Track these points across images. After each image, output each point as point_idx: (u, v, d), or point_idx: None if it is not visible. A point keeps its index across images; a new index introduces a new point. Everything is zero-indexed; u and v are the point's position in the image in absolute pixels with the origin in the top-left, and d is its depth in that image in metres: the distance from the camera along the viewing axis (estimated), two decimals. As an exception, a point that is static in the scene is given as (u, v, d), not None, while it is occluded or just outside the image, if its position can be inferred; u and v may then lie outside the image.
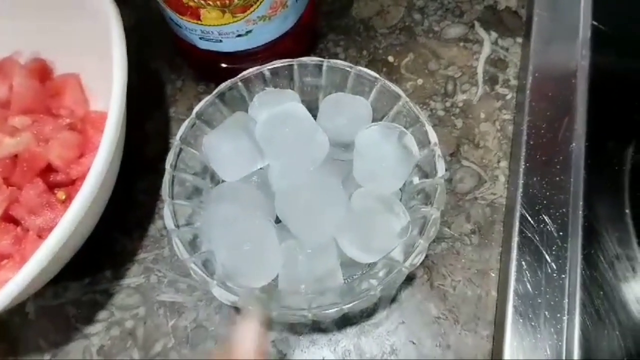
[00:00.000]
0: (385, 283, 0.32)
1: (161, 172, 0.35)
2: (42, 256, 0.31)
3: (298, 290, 0.33)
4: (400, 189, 0.37)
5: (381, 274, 0.33)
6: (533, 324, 0.36)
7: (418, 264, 0.32)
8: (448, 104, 0.44)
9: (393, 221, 0.34)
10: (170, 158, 0.36)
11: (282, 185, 0.36)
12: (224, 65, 0.43)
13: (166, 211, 0.34)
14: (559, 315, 0.35)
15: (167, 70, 0.47)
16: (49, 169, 0.40)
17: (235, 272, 0.33)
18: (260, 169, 0.38)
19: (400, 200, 0.36)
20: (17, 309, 0.39)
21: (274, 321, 0.37)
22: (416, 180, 0.36)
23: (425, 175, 0.36)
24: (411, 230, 0.34)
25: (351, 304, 0.31)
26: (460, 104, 0.44)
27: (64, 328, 0.38)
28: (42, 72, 0.44)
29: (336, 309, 0.31)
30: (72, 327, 0.38)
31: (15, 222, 0.38)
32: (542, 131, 0.42)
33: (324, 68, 0.38)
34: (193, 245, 0.34)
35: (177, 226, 0.34)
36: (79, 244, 0.37)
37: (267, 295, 0.33)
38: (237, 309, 0.37)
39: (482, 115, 0.44)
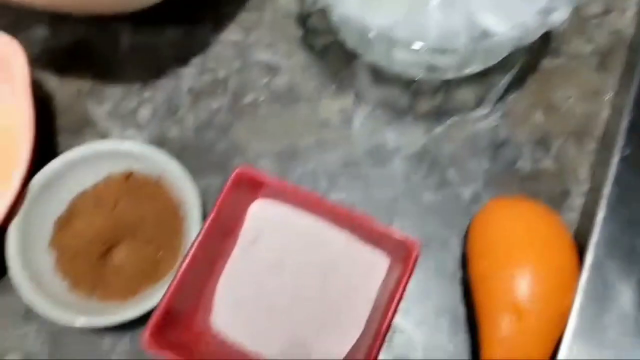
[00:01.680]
0: (513, 45, 0.30)
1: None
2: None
3: (417, 42, 0.31)
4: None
5: (509, 40, 0.31)
6: (646, 142, 0.33)
7: (555, 27, 0.30)
8: None
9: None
10: None
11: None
12: None
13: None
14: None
15: None
16: None
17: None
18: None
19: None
20: (111, 40, 0.38)
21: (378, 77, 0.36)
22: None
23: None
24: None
25: (474, 55, 0.29)
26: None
27: (156, 65, 0.38)
28: None
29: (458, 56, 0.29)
30: (165, 65, 0.38)
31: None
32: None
33: None
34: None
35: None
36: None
37: (383, 38, 0.31)
38: (330, 74, 0.36)
39: (620, -50, 0.41)
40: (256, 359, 0.29)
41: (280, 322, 0.30)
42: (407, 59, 0.31)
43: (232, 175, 0.31)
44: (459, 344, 0.31)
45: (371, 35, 0.30)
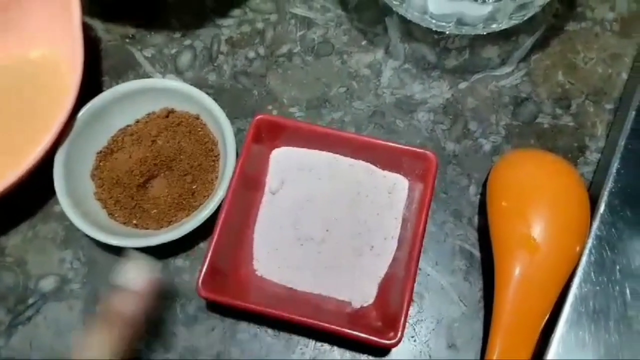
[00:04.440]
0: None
1: None
2: None
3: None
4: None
5: None
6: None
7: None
8: None
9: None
10: None
11: None
12: None
13: None
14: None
15: None
16: None
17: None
18: None
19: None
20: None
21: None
22: None
23: None
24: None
25: (505, 7, 0.31)
26: None
27: (198, 14, 0.40)
28: None
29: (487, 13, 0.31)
30: (206, 16, 0.40)
31: None
32: None
33: None
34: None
35: None
36: None
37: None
38: (362, 29, 0.38)
39: None
40: (303, 293, 0.31)
41: (319, 254, 0.32)
42: (440, 10, 0.33)
43: (253, 123, 0.33)
44: (474, 284, 0.33)
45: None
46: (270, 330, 0.32)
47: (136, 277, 0.28)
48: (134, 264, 0.28)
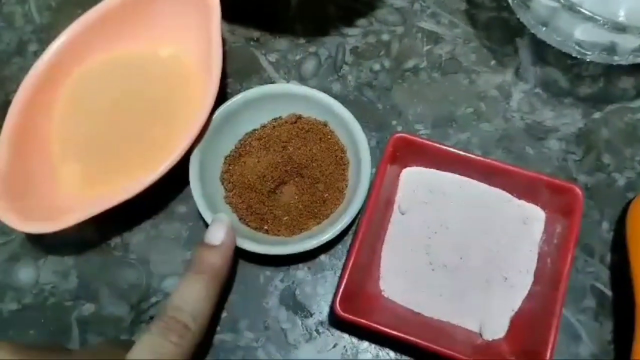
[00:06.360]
0: None
1: None
2: None
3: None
4: None
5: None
6: None
7: None
8: None
9: None
10: None
11: None
12: None
13: None
14: None
15: None
16: None
17: None
18: None
19: None
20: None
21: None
22: None
23: None
24: None
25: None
26: None
27: (323, 22, 0.39)
28: None
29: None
30: (331, 24, 0.39)
31: None
32: None
33: None
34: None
35: None
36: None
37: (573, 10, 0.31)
38: (491, 49, 0.37)
39: None
40: (430, 318, 0.31)
41: (451, 281, 0.31)
42: (589, 37, 0.32)
43: (390, 142, 0.32)
44: (604, 324, 0.32)
45: (563, 2, 0.30)
46: (392, 353, 0.31)
47: (216, 232, 0.29)
48: (215, 220, 0.30)
